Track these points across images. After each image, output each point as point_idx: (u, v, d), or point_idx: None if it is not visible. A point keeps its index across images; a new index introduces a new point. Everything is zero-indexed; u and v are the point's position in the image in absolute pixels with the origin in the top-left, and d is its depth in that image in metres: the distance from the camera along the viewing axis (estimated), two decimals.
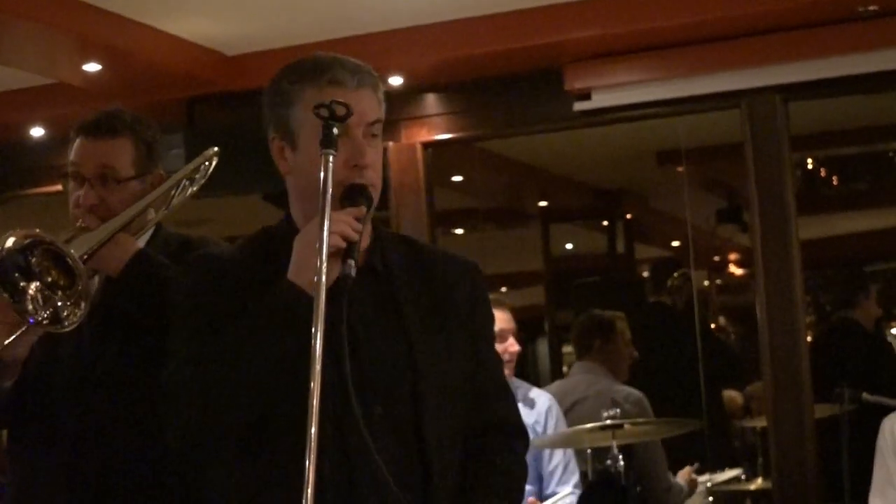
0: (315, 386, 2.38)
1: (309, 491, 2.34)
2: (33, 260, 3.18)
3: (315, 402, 2.37)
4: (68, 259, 3.16)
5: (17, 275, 3.16)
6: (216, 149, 3.71)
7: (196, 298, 2.75)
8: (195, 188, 3.66)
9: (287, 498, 2.53)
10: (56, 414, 3.42)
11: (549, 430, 5.55)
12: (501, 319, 5.29)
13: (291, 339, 2.56)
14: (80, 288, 3.17)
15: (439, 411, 2.74)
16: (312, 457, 2.35)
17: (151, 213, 3.54)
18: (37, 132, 7.29)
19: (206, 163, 3.69)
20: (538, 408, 5.59)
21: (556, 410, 5.74)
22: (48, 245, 3.19)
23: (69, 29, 5.84)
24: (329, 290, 2.50)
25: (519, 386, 5.58)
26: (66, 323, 3.19)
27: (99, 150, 3.47)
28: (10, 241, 3.14)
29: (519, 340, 5.63)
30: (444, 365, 2.77)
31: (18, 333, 3.24)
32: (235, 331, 2.63)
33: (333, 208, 2.59)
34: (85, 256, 3.22)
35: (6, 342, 3.24)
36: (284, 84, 2.82)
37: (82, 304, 3.18)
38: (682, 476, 6.85)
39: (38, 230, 3.21)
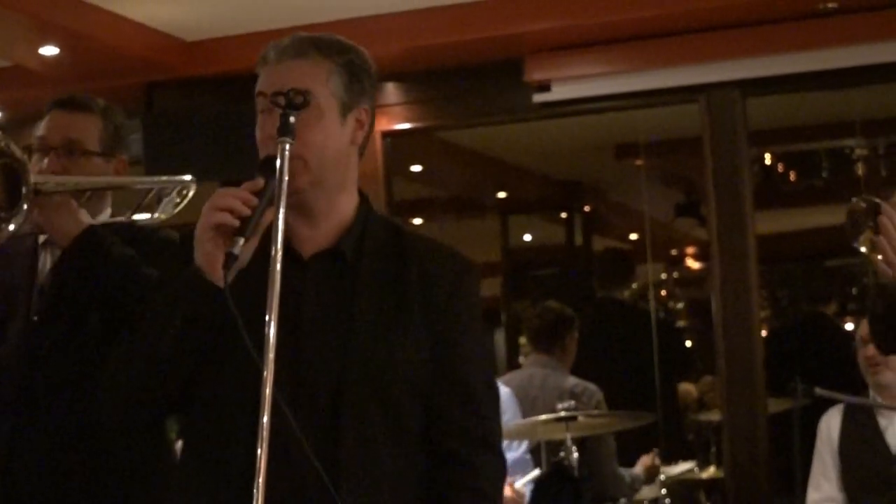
0: (268, 373, 2.35)
1: (260, 480, 2.33)
2: None
3: (267, 389, 2.34)
4: (23, 178, 3.15)
5: None
6: (191, 178, 3.70)
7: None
8: (162, 216, 3.66)
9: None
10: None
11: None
12: None
13: (180, 314, 2.57)
14: (18, 213, 3.15)
15: (364, 412, 2.62)
16: (265, 446, 2.33)
17: (108, 207, 3.57)
18: None
19: (183, 191, 3.68)
20: None
21: (512, 403, 5.75)
22: (9, 156, 3.18)
23: (26, 11, 5.80)
24: (235, 272, 2.49)
25: None
26: None
27: (69, 121, 3.52)
28: None
29: None
30: (384, 366, 2.65)
31: None
32: (148, 307, 2.65)
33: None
34: (39, 188, 3.22)
35: None
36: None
37: (15, 225, 3.17)
38: (643, 463, 6.88)
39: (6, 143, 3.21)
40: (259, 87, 2.72)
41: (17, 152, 3.19)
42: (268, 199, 2.55)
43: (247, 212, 2.50)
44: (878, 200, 3.30)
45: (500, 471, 2.80)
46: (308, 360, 2.65)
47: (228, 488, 2.57)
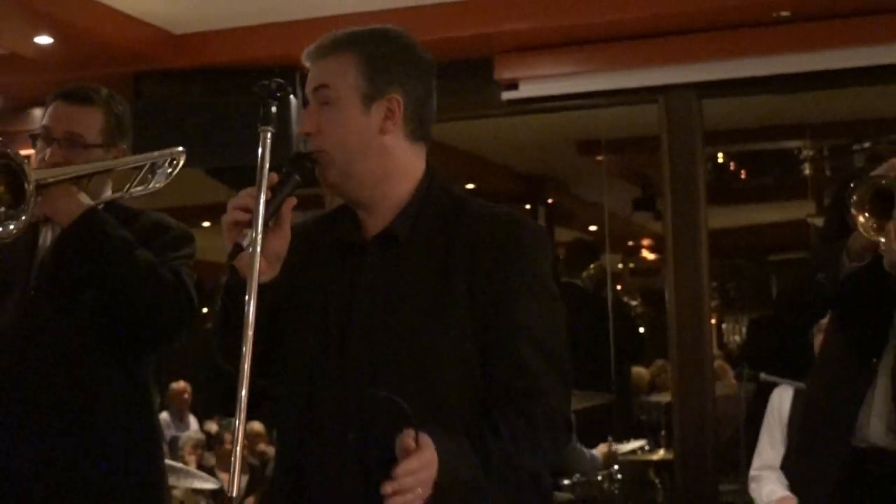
0: (246, 349, 2.35)
1: (237, 449, 2.33)
2: None
3: (245, 365, 2.34)
4: (25, 179, 3.16)
5: None
6: (181, 149, 3.69)
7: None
8: (157, 185, 3.64)
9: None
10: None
11: None
12: None
13: (226, 306, 2.59)
14: (25, 210, 3.16)
15: (400, 389, 2.42)
16: (242, 416, 2.33)
17: (109, 190, 3.55)
18: None
19: (173, 161, 3.67)
20: None
21: None
22: (12, 161, 3.18)
23: (21, 1, 5.77)
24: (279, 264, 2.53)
25: None
26: (5, 238, 3.20)
27: (71, 114, 3.49)
28: None
29: None
30: (422, 348, 2.54)
31: None
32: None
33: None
34: (40, 183, 3.22)
35: None
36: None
37: (20, 224, 3.17)
38: (601, 450, 6.94)
39: (8, 150, 3.21)
40: (308, 81, 2.65)
41: (16, 155, 3.19)
42: (286, 192, 2.51)
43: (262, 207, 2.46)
44: (891, 188, 3.21)
45: (544, 415, 2.54)
46: (354, 339, 2.58)
47: (287, 444, 2.63)
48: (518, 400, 2.53)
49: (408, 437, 2.33)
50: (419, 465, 2.32)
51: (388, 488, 2.30)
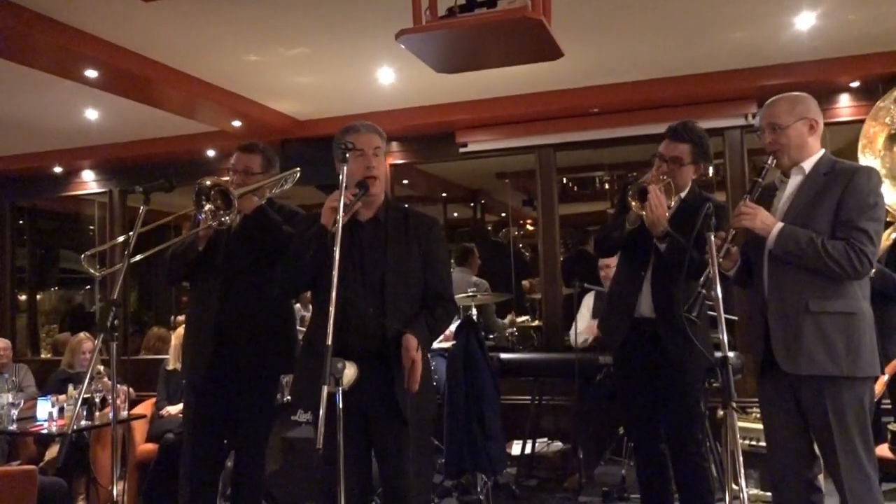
0: (335, 271, 2.35)
1: (331, 322, 2.31)
2: (212, 192, 3.19)
3: (335, 273, 2.35)
4: (231, 195, 3.17)
5: (203, 198, 3.17)
6: (298, 169, 3.67)
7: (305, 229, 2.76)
8: (287, 187, 3.63)
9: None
10: (215, 278, 3.40)
11: None
12: None
13: (316, 246, 2.61)
14: (233, 210, 3.16)
15: (395, 289, 2.65)
16: (332, 300, 2.32)
17: (268, 193, 3.52)
18: (210, 153, 7.15)
19: (293, 176, 3.65)
20: None
21: None
22: (222, 188, 3.19)
23: (226, 105, 5.75)
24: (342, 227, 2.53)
25: None
26: (224, 226, 3.20)
27: (245, 158, 3.47)
28: (207, 182, 3.18)
29: None
30: (403, 271, 2.68)
31: (206, 229, 3.26)
32: (301, 241, 2.67)
33: (350, 190, 2.62)
34: (239, 196, 3.21)
35: (202, 232, 3.27)
36: (341, 137, 2.79)
37: (232, 217, 3.18)
38: (508, 319, 6.94)
39: (221, 180, 3.23)
40: (357, 144, 2.70)
41: (229, 187, 3.20)
42: (357, 199, 2.60)
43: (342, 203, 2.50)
44: (647, 187, 3.22)
45: (449, 308, 2.76)
46: (367, 268, 2.67)
47: (327, 324, 2.61)
48: (438, 298, 2.73)
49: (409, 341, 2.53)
50: (415, 356, 2.52)
51: (407, 367, 2.54)
